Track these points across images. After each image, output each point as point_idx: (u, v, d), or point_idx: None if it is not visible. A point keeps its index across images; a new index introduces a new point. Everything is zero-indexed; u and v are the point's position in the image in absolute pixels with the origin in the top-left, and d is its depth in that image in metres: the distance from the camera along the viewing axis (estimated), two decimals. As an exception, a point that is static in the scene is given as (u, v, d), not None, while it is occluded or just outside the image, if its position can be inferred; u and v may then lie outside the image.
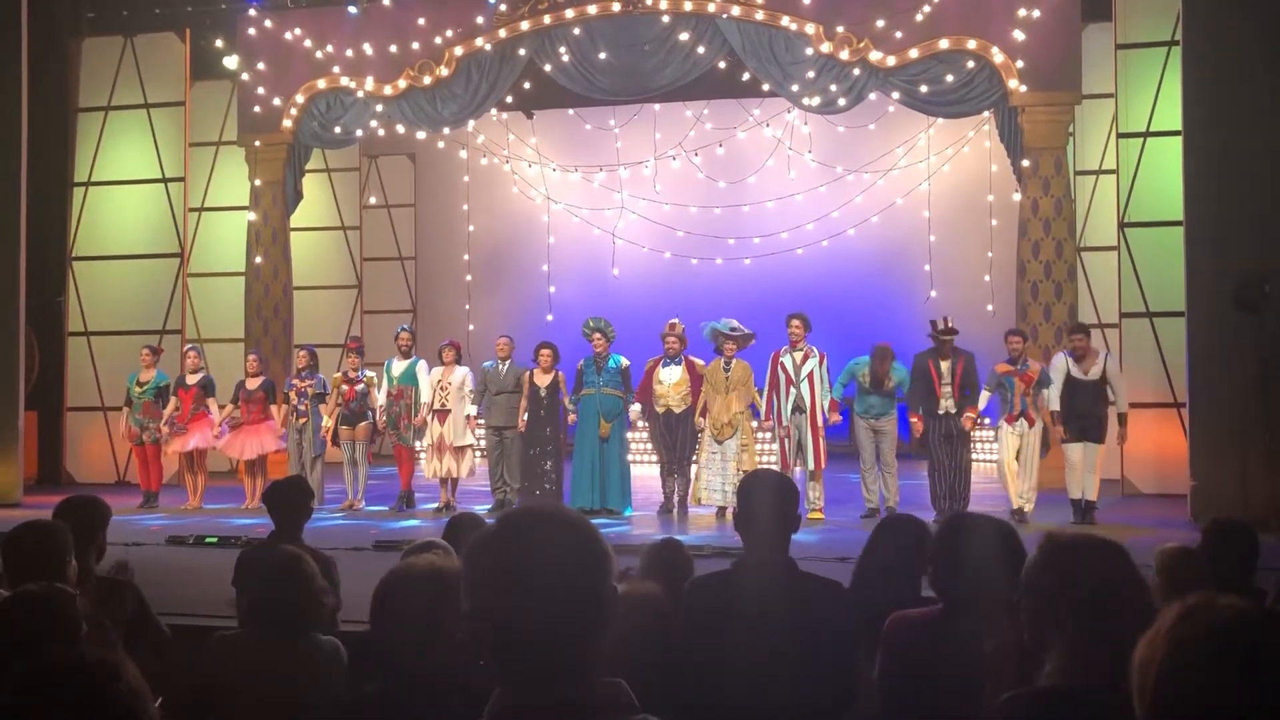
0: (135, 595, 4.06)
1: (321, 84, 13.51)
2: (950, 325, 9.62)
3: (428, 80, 13.13)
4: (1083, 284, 12.33)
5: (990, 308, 13.98)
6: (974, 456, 10.02)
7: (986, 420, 10.99)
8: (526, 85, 13.50)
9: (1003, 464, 9.49)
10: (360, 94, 13.37)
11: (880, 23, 11.92)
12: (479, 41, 13.00)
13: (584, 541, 1.62)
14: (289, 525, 4.76)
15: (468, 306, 16.99)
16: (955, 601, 2.91)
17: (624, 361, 10.37)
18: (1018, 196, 12.35)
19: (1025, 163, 11.89)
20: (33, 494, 11.66)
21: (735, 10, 12.31)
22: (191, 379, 11.12)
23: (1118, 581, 2.12)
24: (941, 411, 9.50)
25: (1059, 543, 2.22)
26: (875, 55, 11.96)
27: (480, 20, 12.98)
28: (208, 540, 8.84)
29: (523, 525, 1.63)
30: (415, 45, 13.12)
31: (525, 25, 12.84)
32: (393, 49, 13.19)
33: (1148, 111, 11.51)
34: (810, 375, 9.80)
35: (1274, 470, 9.05)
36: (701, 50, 12.53)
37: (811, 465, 9.77)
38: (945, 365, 9.53)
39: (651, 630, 2.62)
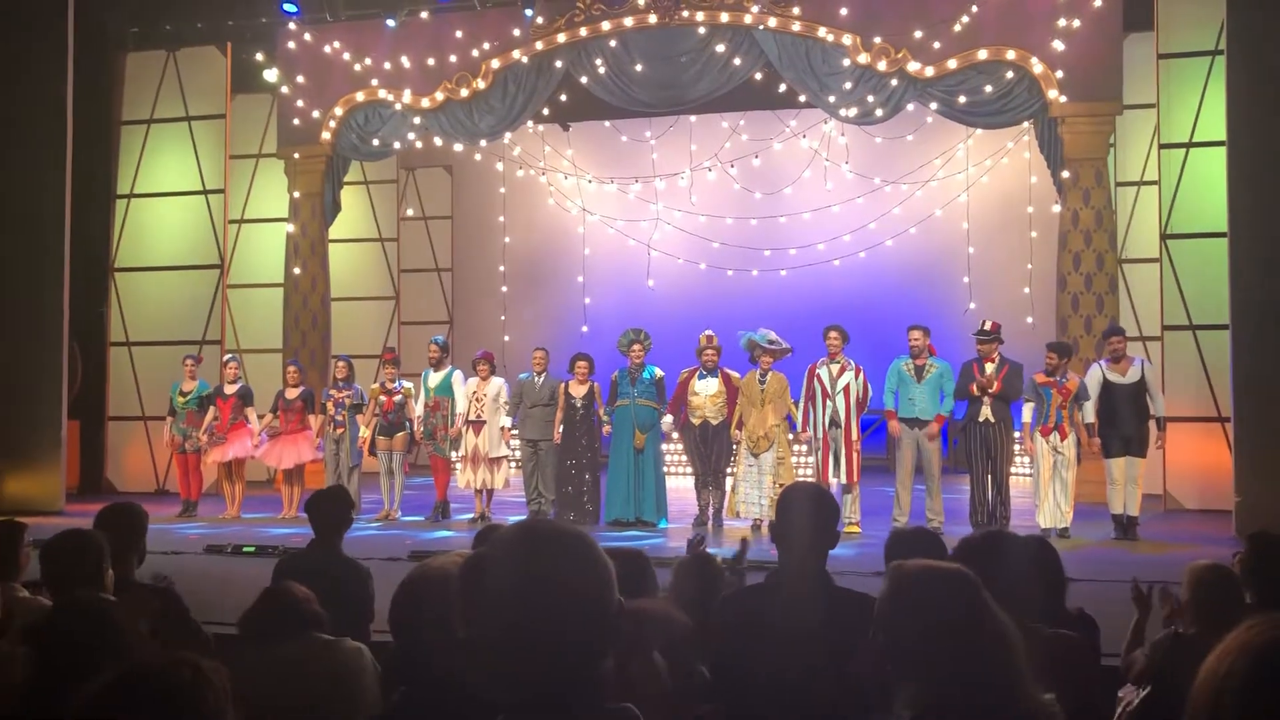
0: (175, 603, 4.08)
1: (360, 97, 13.63)
2: (984, 328, 9.54)
3: (465, 93, 13.21)
4: (1124, 296, 12.18)
5: (1030, 320, 13.83)
6: (1012, 470, 9.88)
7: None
8: (563, 97, 13.55)
9: (1037, 479, 9.38)
10: (398, 106, 13.47)
11: (918, 33, 11.86)
12: (516, 54, 13.07)
13: (584, 558, 1.56)
14: (328, 535, 4.78)
15: (503, 317, 17.04)
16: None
17: (658, 373, 10.35)
18: (1058, 208, 12.22)
19: (1065, 174, 11.77)
20: (74, 503, 11.81)
21: (772, 21, 12.29)
22: (230, 389, 11.24)
23: (966, 613, 2.01)
24: (981, 419, 9.39)
25: (905, 573, 2.11)
26: (913, 66, 11.90)
27: (517, 33, 13.05)
28: (245, 549, 8.90)
29: (520, 542, 1.57)
30: (453, 58, 13.21)
31: (562, 38, 12.89)
32: (430, 62, 13.29)
33: (1190, 122, 11.36)
34: (846, 388, 9.73)
35: (1321, 486, 8.89)
36: (738, 61, 12.52)
37: (845, 479, 9.68)
38: (990, 368, 9.44)
39: (677, 652, 2.58)
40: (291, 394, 11.18)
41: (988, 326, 9.58)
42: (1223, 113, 9.97)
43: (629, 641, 2.23)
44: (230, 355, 12.03)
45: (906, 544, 3.58)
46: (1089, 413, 9.27)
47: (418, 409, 10.91)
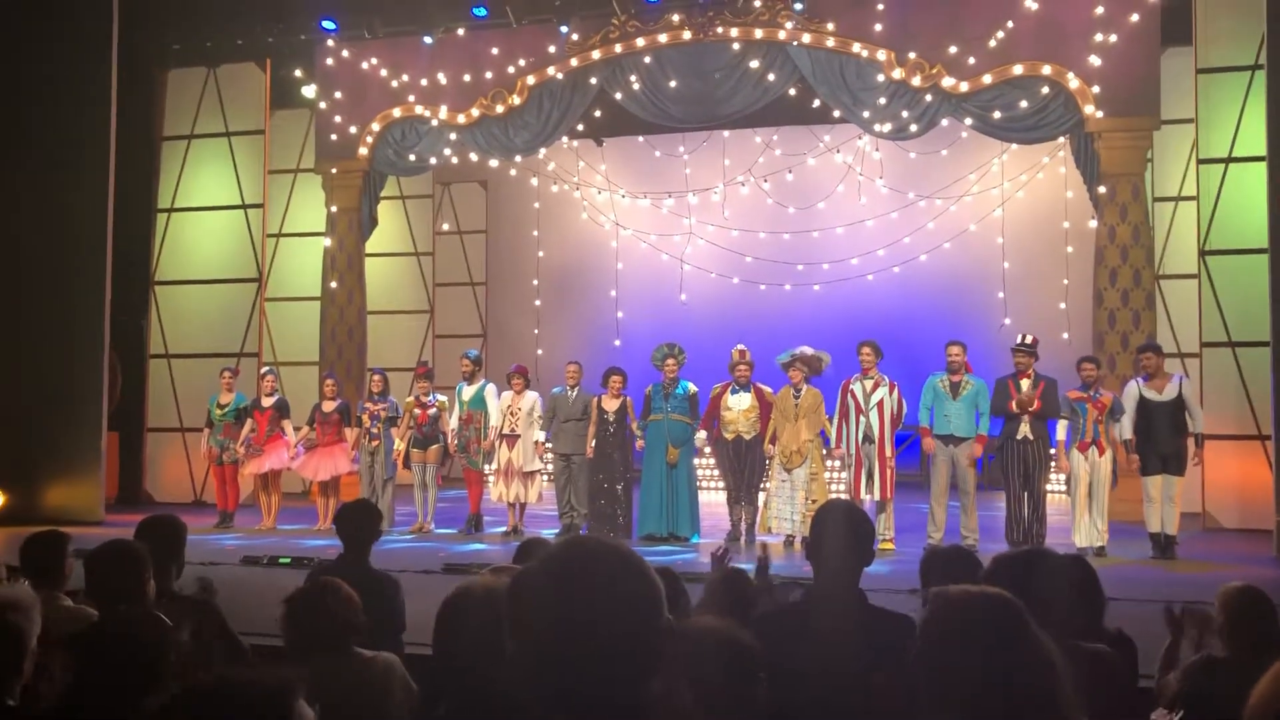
0: (215, 614, 4.13)
1: (397, 113, 13.76)
2: (1028, 341, 9.47)
3: (500, 109, 13.31)
4: (1161, 312, 12.07)
5: (1066, 336, 13.73)
6: (1047, 488, 9.79)
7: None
8: (597, 113, 13.62)
9: (1074, 496, 9.29)
10: (434, 122, 13.59)
11: (953, 49, 11.83)
12: (551, 70, 13.15)
13: (636, 577, 1.55)
14: (356, 547, 4.82)
15: (537, 331, 17.12)
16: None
17: (692, 388, 10.36)
18: (1094, 223, 12.13)
19: (1102, 189, 11.69)
20: (113, 513, 11.94)
21: (806, 38, 12.30)
22: (267, 401, 11.35)
23: (1010, 640, 1.96)
24: (1019, 437, 9.31)
25: (947, 600, 2.05)
26: (948, 81, 11.87)
27: (552, 50, 13.14)
28: (281, 561, 8.97)
29: (571, 559, 1.57)
30: (488, 74, 13.32)
31: (597, 54, 12.96)
32: (466, 78, 13.40)
33: (1229, 137, 11.25)
34: (880, 404, 9.69)
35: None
36: (772, 77, 12.54)
37: (878, 495, 9.63)
38: (1025, 384, 9.37)
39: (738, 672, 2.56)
40: (328, 406, 11.28)
41: (1029, 340, 9.51)
42: (1263, 128, 9.88)
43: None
44: (268, 368, 12.16)
45: (942, 562, 3.56)
46: (1126, 429, 9.18)
47: (452, 422, 10.98)
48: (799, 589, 4.22)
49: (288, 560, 8.93)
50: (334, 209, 14.13)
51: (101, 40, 12.17)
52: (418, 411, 11.02)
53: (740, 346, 10.38)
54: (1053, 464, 9.52)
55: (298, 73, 14.22)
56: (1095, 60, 11.43)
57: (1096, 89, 11.48)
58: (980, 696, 1.91)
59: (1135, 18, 11.42)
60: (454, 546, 9.91)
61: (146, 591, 3.55)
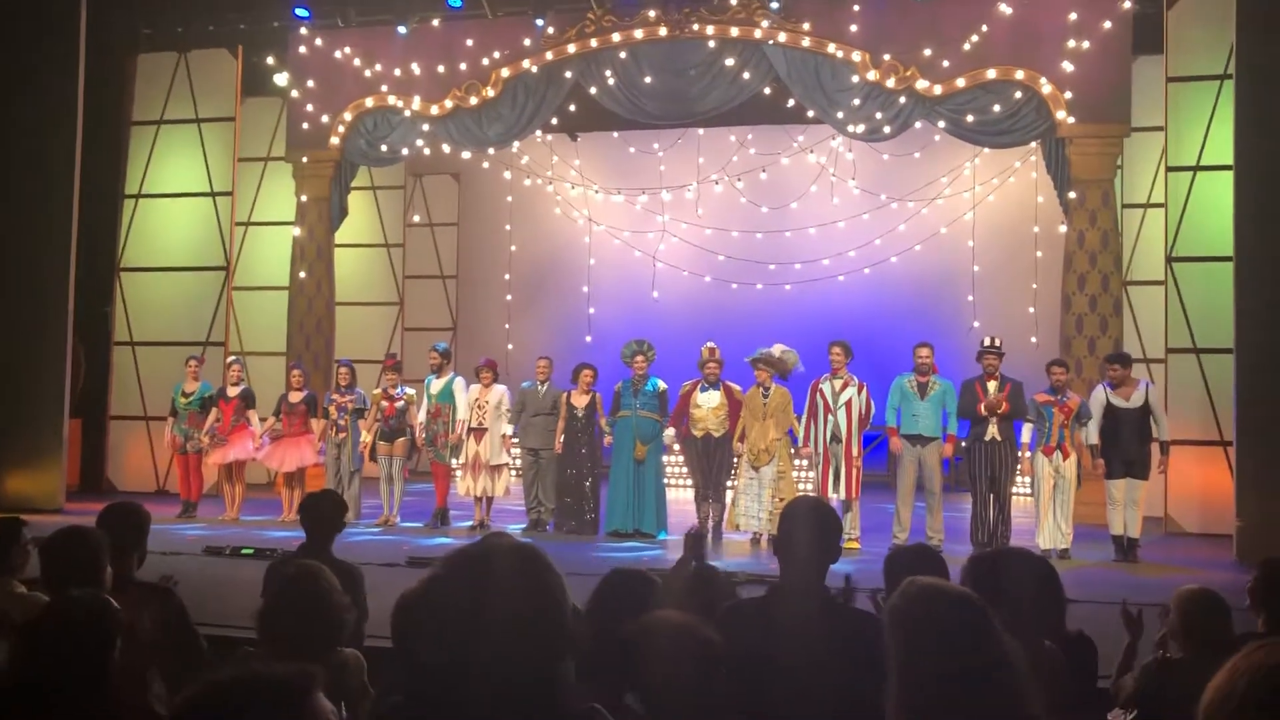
0: (175, 604, 4.07)
1: (369, 102, 13.66)
2: (996, 343, 9.55)
3: (474, 101, 13.25)
4: (1128, 318, 12.18)
5: (1034, 340, 13.83)
6: (1013, 491, 9.87)
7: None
8: (572, 107, 13.58)
9: (1038, 499, 9.37)
10: (407, 113, 13.50)
11: (927, 51, 11.88)
12: (526, 64, 13.10)
13: (534, 569, 1.61)
14: (320, 537, 4.78)
15: (507, 326, 17.05)
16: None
17: (661, 385, 10.36)
18: (1064, 228, 12.23)
19: (1072, 195, 11.78)
20: (74, 501, 11.80)
21: (782, 37, 12.32)
22: (233, 391, 11.25)
23: (972, 635, 1.98)
24: (987, 438, 9.39)
25: (915, 590, 2.08)
26: (922, 84, 11.92)
27: (528, 43, 13.09)
28: (244, 551, 8.90)
29: (469, 559, 1.62)
30: (463, 66, 13.25)
31: (572, 48, 12.92)
32: (440, 69, 13.32)
33: (1198, 145, 11.37)
34: (849, 403, 9.72)
35: (1323, 512, 8.87)
36: (747, 76, 12.54)
37: (844, 494, 9.67)
38: (992, 386, 9.44)
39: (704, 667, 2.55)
40: (294, 397, 11.20)
41: (998, 342, 9.60)
42: (1230, 137, 9.98)
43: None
44: (234, 357, 12.05)
45: (907, 561, 3.56)
46: (1092, 434, 9.26)
47: (420, 415, 10.92)
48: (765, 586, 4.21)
49: (251, 551, 8.85)
50: (304, 198, 14.02)
51: (70, 21, 12.00)
52: (385, 404, 10.95)
53: (710, 344, 10.38)
54: (1018, 466, 9.60)
55: (270, 60, 14.07)
56: (1068, 66, 11.51)
57: (1069, 95, 11.56)
58: (945, 687, 1.92)
59: (1108, 25, 11.51)
60: (419, 540, 9.87)
61: (102, 578, 3.50)
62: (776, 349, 10.07)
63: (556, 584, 1.62)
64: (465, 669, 1.56)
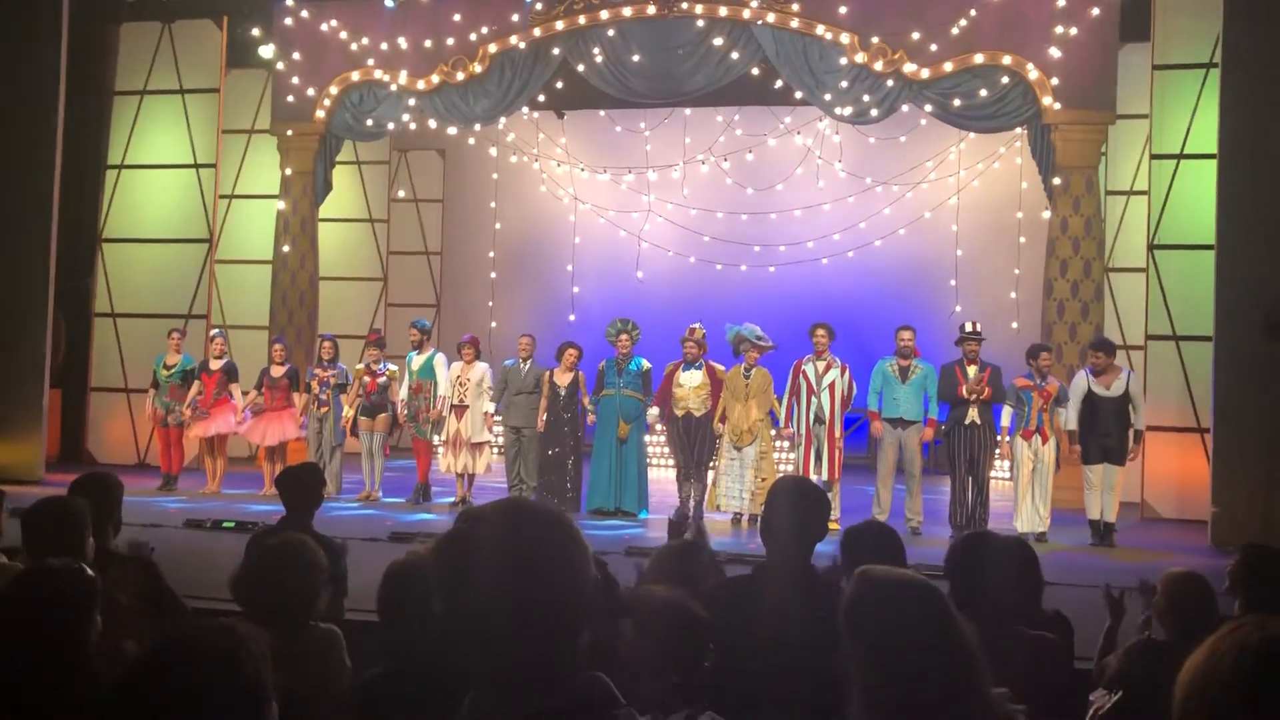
0: (153, 572, 4.07)
1: (355, 76, 13.57)
2: (976, 329, 9.61)
3: (461, 76, 13.17)
4: (1109, 304, 12.25)
5: (1015, 325, 13.90)
6: (991, 474, 9.95)
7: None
8: (559, 85, 13.51)
9: (1017, 482, 9.44)
10: (394, 87, 13.42)
11: (915, 35, 11.87)
12: (513, 39, 13.03)
13: (559, 534, 1.58)
14: (299, 511, 4.78)
15: (491, 303, 17.01)
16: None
17: (645, 364, 10.37)
18: (1047, 214, 12.27)
19: (1056, 181, 11.82)
20: (54, 472, 11.75)
21: (770, 17, 12.29)
22: (215, 364, 11.22)
23: (928, 623, 2.00)
24: (967, 422, 9.45)
25: (869, 580, 2.08)
26: (909, 67, 11.91)
27: (516, 18, 13.01)
28: (225, 524, 8.90)
29: (493, 520, 1.59)
30: (450, 41, 13.16)
31: (560, 25, 12.86)
32: (428, 44, 13.24)
33: (1182, 133, 11.41)
34: (831, 385, 9.77)
35: (1297, 500, 8.97)
36: (735, 56, 12.51)
37: (826, 475, 9.72)
38: (972, 370, 9.50)
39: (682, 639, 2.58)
40: (277, 371, 11.17)
41: (978, 328, 9.67)
42: (1214, 126, 10.02)
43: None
44: (217, 330, 11.99)
45: (862, 538, 3.53)
46: (1070, 419, 9.33)
47: (402, 392, 10.91)
48: (746, 565, 4.24)
49: (231, 524, 8.86)
50: (288, 172, 13.93)
51: (52, -12, 11.87)
52: (367, 379, 10.94)
53: (693, 325, 10.40)
54: (997, 450, 9.67)
55: (255, 32, 13.92)
56: (1055, 52, 11.53)
57: (1055, 81, 11.58)
58: (905, 678, 1.94)
59: (1096, 12, 11.52)
60: (401, 515, 9.88)
61: (85, 549, 3.50)
62: (749, 328, 10.08)
63: (580, 555, 1.59)
64: (467, 637, 1.53)
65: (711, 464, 10.23)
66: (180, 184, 13.97)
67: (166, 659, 1.70)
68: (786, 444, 10.92)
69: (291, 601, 3.17)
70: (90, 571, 2.92)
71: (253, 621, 3.09)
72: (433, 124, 13.82)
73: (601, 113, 15.59)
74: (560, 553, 1.57)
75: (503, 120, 14.45)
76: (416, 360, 10.91)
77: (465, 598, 1.53)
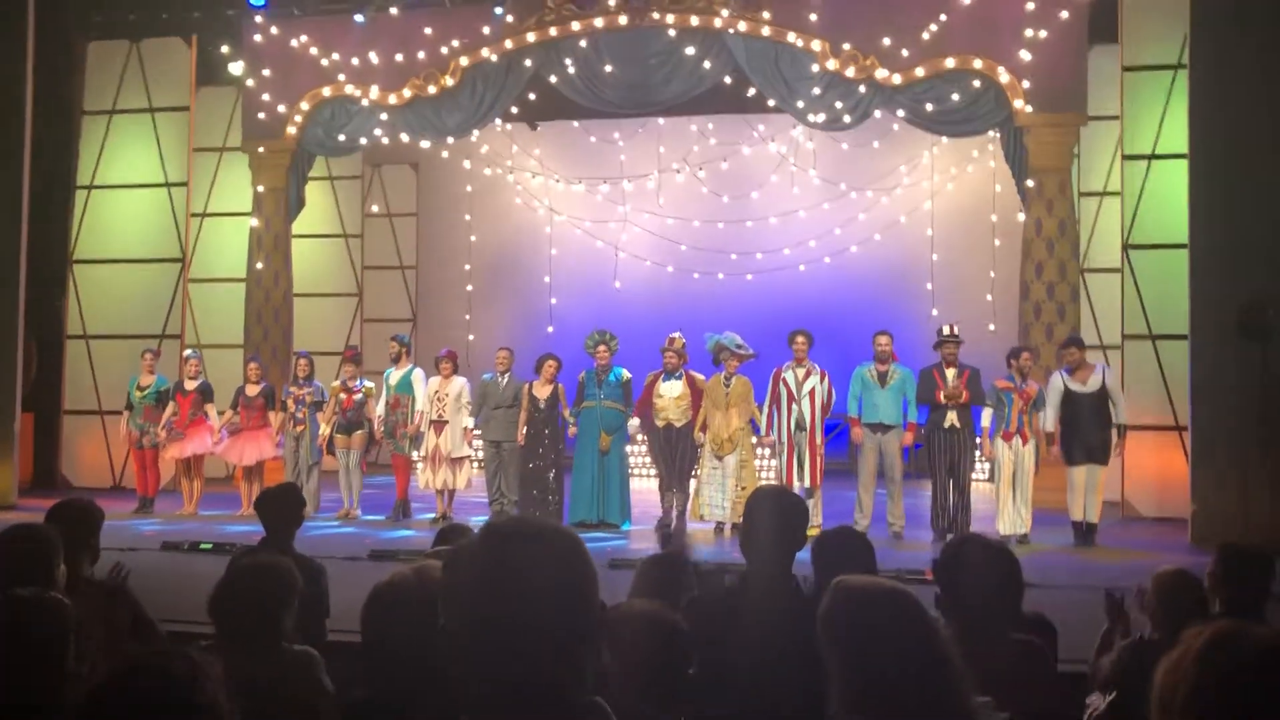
0: (130, 601, 4.01)
1: (326, 92, 13.50)
2: (954, 332, 9.63)
3: (433, 90, 13.13)
4: (1085, 305, 12.31)
5: (992, 327, 13.96)
6: (973, 477, 9.96)
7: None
8: (531, 96, 13.49)
9: (998, 484, 9.45)
10: (365, 102, 13.36)
11: (887, 41, 11.92)
12: (485, 52, 13.00)
13: (569, 554, 1.57)
14: (279, 532, 4.72)
15: (468, 317, 16.95)
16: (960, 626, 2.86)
17: (625, 375, 10.34)
18: (1022, 216, 12.32)
19: (1030, 183, 11.87)
20: (27, 496, 11.62)
21: (742, 26, 12.31)
22: (190, 384, 11.12)
23: (906, 631, 2.01)
24: (946, 426, 9.46)
25: (846, 590, 2.10)
26: (881, 73, 11.95)
27: (487, 31, 12.98)
28: (202, 546, 8.80)
29: (506, 536, 1.58)
30: (421, 55, 13.12)
31: (532, 37, 12.84)
32: (399, 58, 13.19)
33: (1153, 134, 11.50)
34: (811, 392, 9.76)
35: (1276, 495, 9.02)
36: (707, 65, 12.52)
37: (808, 482, 9.71)
38: (950, 373, 9.52)
39: (660, 652, 2.55)
40: (252, 390, 11.07)
41: (956, 331, 9.68)
42: (1184, 126, 10.10)
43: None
44: (191, 351, 11.88)
45: (834, 544, 3.53)
46: (1049, 421, 9.35)
47: (379, 407, 10.83)
48: (731, 574, 4.21)
49: (209, 546, 8.76)
50: (261, 189, 13.83)
51: (18, 6, 11.76)
52: (343, 396, 10.86)
53: (672, 334, 10.38)
54: (978, 452, 9.68)
55: (225, 49, 13.86)
56: (1025, 55, 11.59)
57: (1026, 84, 11.64)
58: (885, 687, 1.93)
59: (1064, 15, 11.59)
60: (381, 533, 9.80)
61: (55, 577, 3.43)
62: (728, 337, 10.06)
63: (589, 580, 1.58)
64: (469, 657, 1.51)
65: (694, 473, 10.20)
66: (151, 203, 13.87)
67: (124, 685, 1.69)
68: (768, 452, 10.89)
69: (267, 623, 3.11)
70: (64, 599, 2.86)
71: (228, 644, 3.06)
72: (405, 138, 13.76)
73: (575, 123, 15.58)
74: (571, 576, 1.55)
75: (476, 133, 14.40)
76: (394, 375, 10.85)
77: (474, 614, 1.52)
